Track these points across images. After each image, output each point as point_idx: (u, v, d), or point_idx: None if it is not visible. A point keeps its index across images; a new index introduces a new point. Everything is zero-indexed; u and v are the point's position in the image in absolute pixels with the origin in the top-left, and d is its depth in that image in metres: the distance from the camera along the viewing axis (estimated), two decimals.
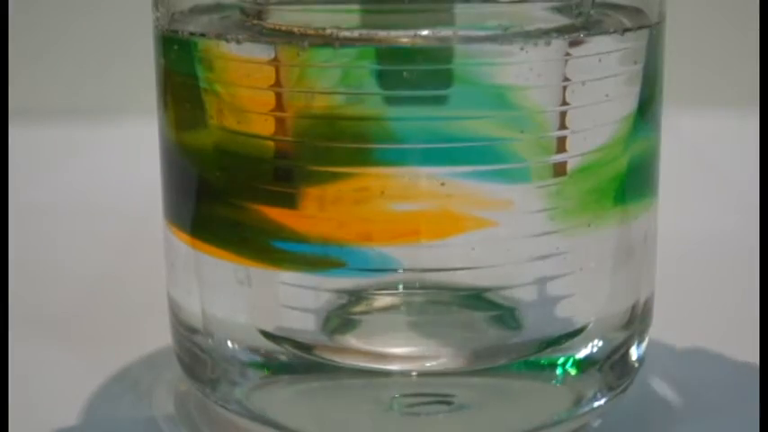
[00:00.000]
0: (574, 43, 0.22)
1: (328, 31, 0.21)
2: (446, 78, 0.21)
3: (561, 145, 0.22)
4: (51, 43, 0.55)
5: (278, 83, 0.22)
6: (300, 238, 0.22)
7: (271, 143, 0.22)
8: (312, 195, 0.22)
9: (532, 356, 0.23)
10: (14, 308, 0.30)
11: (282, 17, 0.23)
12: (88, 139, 0.50)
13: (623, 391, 0.24)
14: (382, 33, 0.21)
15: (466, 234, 0.22)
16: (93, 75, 0.54)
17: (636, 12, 0.23)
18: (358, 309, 0.23)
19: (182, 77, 0.23)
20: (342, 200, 0.21)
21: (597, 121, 0.22)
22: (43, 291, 0.33)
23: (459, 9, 0.22)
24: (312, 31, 0.21)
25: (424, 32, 0.21)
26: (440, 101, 0.21)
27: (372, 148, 0.21)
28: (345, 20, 0.22)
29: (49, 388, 0.27)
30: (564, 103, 0.22)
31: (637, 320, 0.24)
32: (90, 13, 0.55)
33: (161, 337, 0.27)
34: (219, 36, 0.22)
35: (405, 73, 0.21)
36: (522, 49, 0.21)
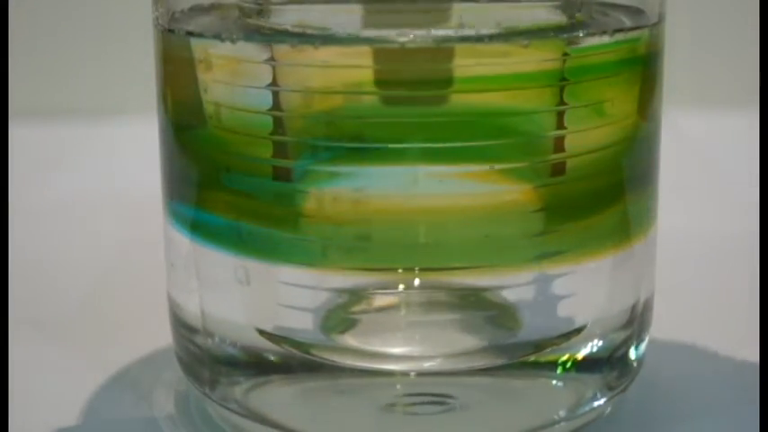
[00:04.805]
0: (572, 43, 0.22)
1: (327, 31, 0.21)
2: (444, 78, 0.21)
3: (559, 145, 0.22)
4: (51, 43, 0.55)
5: (274, 82, 0.22)
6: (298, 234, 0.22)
7: (269, 142, 0.22)
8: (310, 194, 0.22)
9: (532, 356, 0.23)
10: (14, 308, 0.30)
11: (281, 16, 0.23)
12: (88, 139, 0.50)
13: (623, 391, 0.24)
14: (380, 33, 0.21)
15: (464, 236, 0.22)
16: (93, 75, 0.54)
17: (636, 12, 0.23)
18: (356, 308, 0.23)
19: (181, 77, 0.23)
20: (339, 199, 0.21)
21: (596, 121, 0.22)
22: (43, 291, 0.33)
23: (457, 8, 0.22)
24: (310, 31, 0.21)
25: (421, 32, 0.21)
26: (438, 101, 0.21)
27: (370, 148, 0.21)
28: (344, 19, 0.22)
29: (49, 388, 0.27)
30: (562, 102, 0.22)
31: (637, 320, 0.24)
32: (90, 12, 0.55)
33: (161, 337, 0.27)
34: (217, 36, 0.22)
35: (402, 73, 0.21)
36: (518, 48, 0.21)
